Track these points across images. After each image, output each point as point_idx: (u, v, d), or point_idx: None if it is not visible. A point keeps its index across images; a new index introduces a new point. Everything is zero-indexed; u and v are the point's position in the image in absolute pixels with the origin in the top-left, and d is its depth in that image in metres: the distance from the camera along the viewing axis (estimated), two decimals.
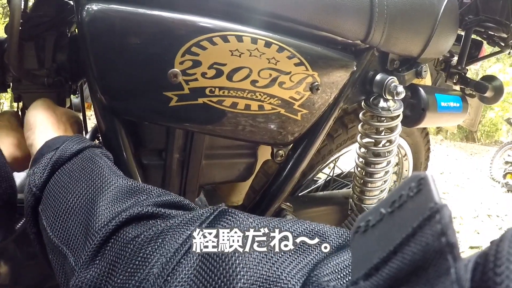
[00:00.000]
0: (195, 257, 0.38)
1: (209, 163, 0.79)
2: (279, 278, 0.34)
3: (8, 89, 0.85)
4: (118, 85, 0.63)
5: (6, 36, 0.81)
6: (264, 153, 0.88)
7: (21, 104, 0.81)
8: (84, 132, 0.82)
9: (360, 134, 0.93)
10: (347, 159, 1.20)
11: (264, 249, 0.36)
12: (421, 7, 0.85)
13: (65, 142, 0.59)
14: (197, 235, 0.40)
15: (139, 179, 0.70)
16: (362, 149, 0.93)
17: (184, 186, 0.77)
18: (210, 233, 0.39)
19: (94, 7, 0.58)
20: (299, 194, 1.10)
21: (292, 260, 0.36)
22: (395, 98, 0.83)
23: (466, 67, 1.06)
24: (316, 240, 0.38)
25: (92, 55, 0.60)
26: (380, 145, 0.91)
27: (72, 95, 0.91)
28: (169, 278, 0.37)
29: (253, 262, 0.35)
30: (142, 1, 0.59)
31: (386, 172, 0.95)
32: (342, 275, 0.33)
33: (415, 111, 0.95)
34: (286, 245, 0.37)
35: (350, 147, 1.08)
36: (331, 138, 1.02)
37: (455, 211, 3.34)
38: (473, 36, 1.04)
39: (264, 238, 0.38)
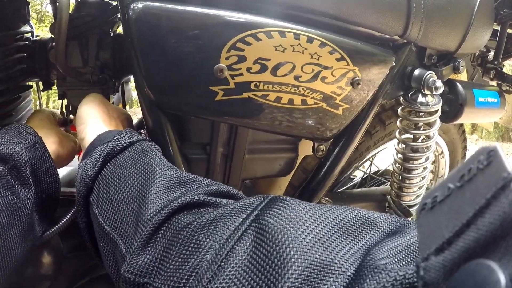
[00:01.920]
0: (248, 243, 0.39)
1: (252, 158, 0.81)
2: (332, 262, 0.33)
3: (52, 87, 0.90)
4: (164, 80, 0.65)
5: (49, 37, 0.85)
6: (304, 149, 0.90)
7: (65, 101, 0.85)
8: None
9: (398, 130, 0.93)
10: (383, 157, 1.20)
11: (317, 234, 0.36)
12: (457, 1, 0.85)
13: (117, 136, 0.60)
14: (250, 221, 0.41)
15: (182, 168, 0.72)
16: (401, 145, 0.94)
17: (227, 180, 0.79)
18: (262, 219, 0.40)
19: (140, 5, 0.60)
20: (337, 191, 1.11)
21: (345, 245, 0.36)
22: (434, 93, 0.83)
23: (503, 62, 1.05)
24: (368, 226, 0.38)
25: (139, 52, 0.63)
26: (419, 140, 0.92)
27: None
28: (222, 263, 0.38)
29: (306, 247, 0.35)
30: None
31: (425, 168, 0.95)
32: (398, 258, 0.33)
33: (453, 106, 0.95)
34: (338, 230, 0.37)
35: (386, 144, 1.08)
36: (369, 135, 1.03)
37: None
38: (509, 30, 1.03)
39: (319, 223, 0.37)
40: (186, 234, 0.42)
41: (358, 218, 0.39)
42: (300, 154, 0.89)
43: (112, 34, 0.85)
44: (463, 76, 1.12)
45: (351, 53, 0.71)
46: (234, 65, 0.64)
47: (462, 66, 0.90)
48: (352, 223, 0.38)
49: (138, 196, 0.50)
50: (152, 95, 0.66)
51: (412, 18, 0.77)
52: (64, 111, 0.86)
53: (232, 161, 0.77)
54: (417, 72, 0.84)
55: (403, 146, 0.94)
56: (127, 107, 1.03)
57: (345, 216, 0.39)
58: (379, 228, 0.38)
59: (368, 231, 0.37)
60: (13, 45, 0.80)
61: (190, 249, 0.41)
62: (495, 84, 1.09)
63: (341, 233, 0.37)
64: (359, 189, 1.19)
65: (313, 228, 0.37)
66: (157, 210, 0.46)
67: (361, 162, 1.07)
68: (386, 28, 0.76)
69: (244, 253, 0.38)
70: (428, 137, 0.92)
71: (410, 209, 0.95)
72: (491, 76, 1.05)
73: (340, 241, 0.36)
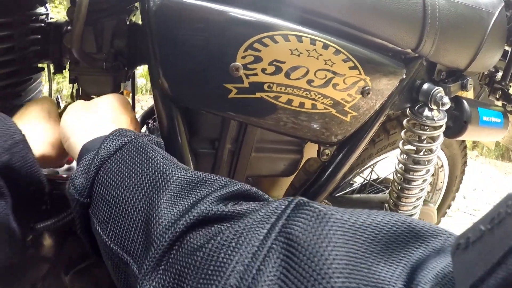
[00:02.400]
0: (277, 262, 0.34)
1: (258, 156, 0.82)
2: (378, 283, 0.30)
3: (64, 71, 0.90)
4: (180, 74, 0.66)
5: (64, 20, 0.85)
6: (308, 152, 0.91)
7: (75, 86, 0.85)
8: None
9: (402, 141, 0.95)
10: (383, 166, 1.22)
11: (359, 248, 0.32)
12: (471, 21, 0.87)
13: (105, 140, 0.53)
14: (275, 233, 0.36)
15: (192, 166, 0.73)
16: (403, 155, 0.95)
17: (232, 176, 0.80)
18: (290, 230, 0.35)
19: None
20: (336, 195, 1.12)
21: (390, 261, 0.32)
22: (440, 108, 0.85)
23: (510, 84, 1.07)
24: (413, 238, 0.34)
25: (157, 43, 0.64)
26: (421, 153, 0.93)
27: None
28: None
29: (348, 264, 0.31)
30: None
31: (424, 181, 0.97)
32: (443, 282, 0.31)
33: (457, 123, 0.96)
34: (380, 241, 0.33)
35: (388, 154, 1.10)
36: (372, 143, 1.04)
37: None
38: None
39: (353, 234, 0.33)
40: (203, 255, 0.37)
41: (402, 227, 0.35)
42: (304, 156, 0.90)
43: (128, 23, 0.85)
44: (469, 94, 1.14)
45: (364, 62, 0.73)
46: (250, 64, 0.65)
47: (470, 85, 0.91)
48: (395, 233, 0.34)
49: (144, 206, 0.44)
50: (167, 87, 0.67)
51: (426, 33, 0.79)
52: (74, 95, 0.87)
53: (238, 158, 0.79)
54: (425, 86, 0.86)
55: (405, 157, 0.95)
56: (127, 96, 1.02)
57: (386, 224, 0.34)
58: (426, 243, 0.34)
59: (413, 244, 0.34)
60: (29, 26, 0.79)
61: (209, 272, 0.36)
62: (500, 104, 1.11)
63: (384, 245, 0.33)
64: (358, 195, 1.21)
65: (354, 242, 0.33)
66: (169, 225, 0.40)
67: (362, 169, 1.08)
68: (399, 41, 0.77)
69: (273, 275, 0.33)
70: (431, 151, 0.94)
71: None
72: (497, 96, 1.07)
73: (384, 256, 0.33)
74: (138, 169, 0.48)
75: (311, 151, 0.90)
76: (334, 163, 0.86)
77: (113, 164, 0.50)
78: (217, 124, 0.76)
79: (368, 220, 0.34)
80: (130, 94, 0.97)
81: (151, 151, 0.50)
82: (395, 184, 0.99)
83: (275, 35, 0.64)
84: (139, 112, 1.04)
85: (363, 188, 1.28)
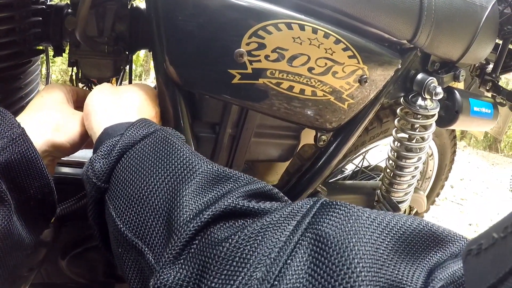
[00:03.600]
0: (304, 257, 0.34)
1: (257, 141, 0.84)
2: (401, 283, 0.31)
3: (63, 54, 0.90)
4: (186, 59, 0.68)
5: (64, 3, 0.85)
6: (304, 138, 0.93)
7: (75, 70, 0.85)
8: None
9: (395, 129, 0.98)
10: (374, 153, 1.25)
11: (385, 247, 0.33)
12: (465, 14, 0.89)
13: (129, 128, 0.52)
14: (302, 229, 0.36)
15: (193, 149, 0.75)
16: (396, 143, 0.98)
17: (232, 160, 0.82)
18: (318, 227, 0.35)
19: None
20: (329, 181, 1.15)
21: (411, 262, 0.33)
22: (433, 98, 0.87)
23: (500, 76, 1.10)
24: (433, 242, 0.35)
25: (163, 28, 0.65)
26: (413, 141, 0.96)
27: None
28: (276, 283, 0.33)
29: (374, 262, 0.32)
30: None
31: (416, 168, 1.00)
32: (459, 282, 0.31)
33: (448, 112, 0.99)
34: (404, 243, 0.34)
35: (380, 142, 1.13)
36: (365, 131, 1.07)
37: (472, 218, 3.36)
38: (510, 46, 1.08)
39: (381, 232, 0.34)
40: (228, 246, 0.36)
41: (424, 230, 0.35)
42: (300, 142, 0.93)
43: (129, 7, 0.86)
44: (460, 84, 1.17)
45: (362, 52, 0.75)
46: (254, 51, 0.67)
47: (462, 76, 0.94)
48: (418, 235, 0.35)
49: (167, 195, 0.43)
50: (171, 71, 0.68)
51: (422, 25, 0.81)
52: (74, 79, 0.87)
53: (238, 143, 0.81)
54: (419, 76, 0.88)
55: (398, 144, 0.98)
56: None
57: (410, 226, 0.35)
58: (445, 248, 0.35)
59: (432, 247, 0.35)
60: (29, 8, 0.79)
61: (234, 264, 0.35)
62: (490, 96, 1.14)
63: (407, 247, 0.34)
64: (351, 181, 1.24)
65: (381, 240, 0.33)
66: (192, 216, 0.40)
67: (355, 156, 1.11)
68: (396, 31, 0.79)
69: (301, 269, 0.33)
70: (423, 139, 0.97)
71: (399, 205, 1.00)
72: (487, 88, 1.10)
73: (407, 256, 0.33)
74: (163, 159, 0.47)
75: (306, 137, 0.92)
76: (330, 149, 0.88)
77: (138, 152, 0.49)
78: (219, 109, 0.77)
79: (394, 221, 0.35)
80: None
81: (178, 143, 0.49)
82: (388, 170, 1.02)
83: (279, 23, 0.66)
84: None
85: (354, 174, 1.31)
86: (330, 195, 1.03)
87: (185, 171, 0.45)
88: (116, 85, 0.89)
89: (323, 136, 0.85)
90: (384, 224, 0.35)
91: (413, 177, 1.01)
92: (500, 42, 1.07)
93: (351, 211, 0.36)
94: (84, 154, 0.86)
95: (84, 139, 0.63)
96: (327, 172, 0.89)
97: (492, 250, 0.24)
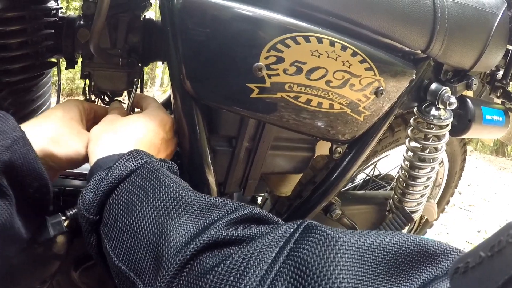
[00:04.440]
0: (285, 283, 0.35)
1: (273, 154, 0.84)
2: None
3: (75, 66, 0.89)
4: (203, 72, 0.67)
5: (76, 14, 0.85)
6: (318, 149, 0.93)
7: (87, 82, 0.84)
8: None
9: (408, 138, 0.97)
10: (385, 162, 1.25)
11: (366, 272, 0.33)
12: (477, 22, 0.89)
13: (118, 161, 0.54)
14: (284, 257, 0.37)
15: (210, 163, 0.75)
16: (409, 153, 0.98)
17: (248, 173, 0.82)
18: (298, 254, 0.36)
19: None
20: (341, 191, 1.14)
21: (399, 282, 0.33)
22: (447, 107, 0.87)
23: (510, 82, 1.10)
24: (422, 258, 0.35)
25: (181, 41, 0.64)
26: (427, 151, 0.96)
27: None
28: None
29: (353, 285, 0.32)
30: None
31: (429, 178, 1.00)
32: None
33: (461, 121, 0.99)
34: (391, 266, 0.33)
35: (391, 151, 1.13)
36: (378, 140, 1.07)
37: (481, 225, 3.34)
38: None
39: (361, 256, 0.34)
40: (213, 278, 0.38)
41: (411, 247, 0.35)
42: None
43: (142, 19, 0.85)
44: (470, 92, 1.16)
45: (378, 64, 0.75)
46: (272, 65, 0.66)
47: (474, 84, 0.94)
48: (404, 253, 0.34)
49: (155, 228, 0.45)
50: (188, 85, 0.67)
51: (436, 35, 0.81)
52: (87, 91, 0.87)
53: (255, 156, 0.80)
54: (433, 86, 0.88)
55: (411, 154, 0.98)
56: None
57: (395, 245, 0.35)
58: (436, 262, 0.35)
59: (421, 264, 0.34)
60: (42, 20, 0.78)
61: None
62: (500, 102, 1.14)
63: (392, 266, 0.34)
64: (363, 191, 1.24)
65: (362, 264, 0.33)
66: (179, 248, 0.41)
67: (366, 166, 1.11)
68: (411, 42, 0.79)
69: None
70: (436, 149, 0.96)
71: (412, 215, 1.00)
72: (497, 94, 1.10)
73: (392, 276, 0.33)
74: (150, 193, 0.49)
75: (320, 148, 0.92)
76: (345, 161, 0.88)
77: (126, 187, 0.51)
78: (236, 122, 0.77)
79: (376, 241, 0.35)
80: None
81: (162, 176, 0.51)
82: (400, 180, 1.01)
83: (297, 36, 0.66)
84: None
85: (365, 184, 1.31)
86: (343, 205, 1.02)
87: (172, 204, 0.46)
88: (129, 98, 0.89)
89: (338, 148, 0.85)
90: (366, 246, 0.34)
91: (426, 187, 1.00)
92: (511, 48, 1.07)
93: (330, 236, 0.36)
94: None
95: (83, 159, 0.64)
96: (342, 184, 0.89)
97: (479, 269, 0.24)
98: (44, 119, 0.63)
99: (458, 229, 3.14)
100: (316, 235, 0.37)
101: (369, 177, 1.31)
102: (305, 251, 0.36)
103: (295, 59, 0.67)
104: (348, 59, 0.71)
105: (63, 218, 0.60)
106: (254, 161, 0.81)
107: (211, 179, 0.77)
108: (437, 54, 0.84)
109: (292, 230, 0.40)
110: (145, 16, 0.89)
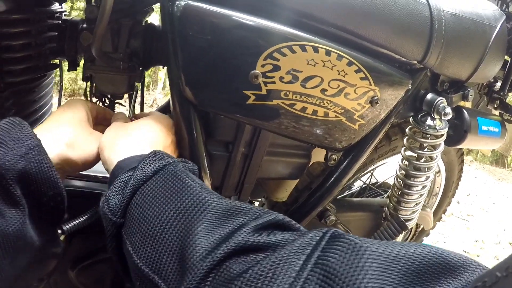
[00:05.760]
0: None
1: (269, 159, 0.85)
2: None
3: (77, 68, 0.90)
4: (202, 79, 0.69)
5: (79, 18, 0.86)
6: (314, 156, 0.94)
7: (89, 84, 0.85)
8: None
9: (404, 147, 0.98)
10: (382, 170, 1.26)
11: (392, 280, 0.33)
12: (474, 34, 0.90)
13: (142, 162, 0.54)
14: (312, 264, 0.37)
15: (207, 167, 0.76)
16: (405, 162, 0.99)
17: (244, 178, 0.83)
18: (326, 262, 0.36)
19: (183, 2, 0.63)
20: (337, 198, 1.15)
21: None
22: (442, 118, 0.88)
23: (508, 93, 1.11)
24: (444, 269, 0.35)
25: (180, 47, 0.66)
26: (422, 160, 0.97)
27: None
28: None
29: None
30: (229, 4, 0.65)
31: (424, 187, 1.01)
32: None
33: (457, 131, 1.00)
34: (415, 276, 0.34)
35: (388, 159, 1.14)
36: (374, 149, 1.07)
37: (478, 235, 3.34)
38: None
39: (388, 266, 0.34)
40: (241, 284, 0.38)
41: (434, 258, 0.35)
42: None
43: (143, 23, 0.86)
44: (467, 103, 1.17)
45: (374, 73, 0.76)
46: (269, 73, 0.68)
47: (471, 95, 0.95)
48: (427, 264, 0.35)
49: (180, 232, 0.45)
50: (187, 90, 0.69)
51: (433, 46, 0.82)
52: (88, 93, 0.88)
53: (251, 161, 0.81)
54: (429, 96, 0.89)
55: (407, 163, 0.99)
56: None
57: (418, 256, 0.35)
58: (456, 275, 0.35)
59: (443, 276, 0.34)
60: (46, 22, 0.79)
61: None
62: (497, 114, 1.14)
63: (416, 276, 0.34)
64: (358, 199, 1.25)
65: (388, 273, 0.34)
66: (205, 254, 0.41)
67: (363, 173, 1.12)
68: (407, 52, 0.80)
69: None
70: (431, 158, 0.97)
71: (407, 223, 1.01)
72: (495, 106, 1.10)
73: (415, 286, 0.34)
74: (174, 195, 0.49)
75: (317, 155, 0.93)
76: (340, 168, 0.89)
77: (149, 188, 0.51)
78: (232, 128, 0.78)
79: (402, 251, 0.35)
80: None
81: (186, 178, 0.51)
82: (396, 189, 1.02)
83: (293, 45, 0.67)
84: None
85: (362, 191, 1.31)
86: (338, 212, 1.03)
87: (196, 207, 0.46)
88: (129, 102, 0.90)
89: (333, 156, 0.86)
90: (392, 256, 0.35)
91: (421, 195, 1.01)
92: (509, 59, 1.08)
93: (358, 245, 0.36)
94: (95, 168, 0.87)
95: (96, 160, 0.65)
96: (337, 190, 0.90)
97: None
98: (56, 124, 0.63)
99: (456, 238, 3.15)
100: (344, 244, 0.37)
101: (366, 184, 1.32)
102: (333, 259, 0.36)
103: (291, 68, 0.69)
104: (343, 69, 0.72)
105: (59, 231, 0.59)
106: (250, 166, 0.82)
107: (207, 182, 0.78)
108: (433, 65, 0.86)
109: (318, 237, 0.40)
110: (147, 21, 0.90)
